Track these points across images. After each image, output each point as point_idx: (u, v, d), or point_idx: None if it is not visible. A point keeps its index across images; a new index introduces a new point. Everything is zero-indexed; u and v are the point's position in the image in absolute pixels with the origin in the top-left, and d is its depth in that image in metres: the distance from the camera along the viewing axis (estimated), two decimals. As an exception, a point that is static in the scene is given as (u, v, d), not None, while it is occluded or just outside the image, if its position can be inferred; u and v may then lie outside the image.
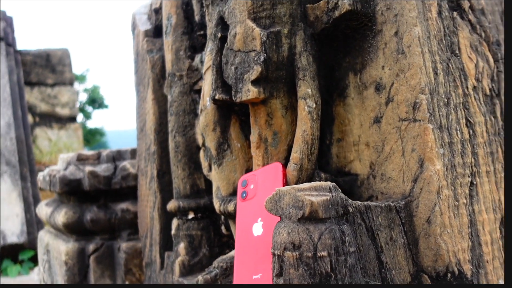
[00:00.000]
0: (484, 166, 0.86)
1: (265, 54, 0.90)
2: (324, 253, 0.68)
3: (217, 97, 0.98)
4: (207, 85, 1.09)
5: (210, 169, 1.22)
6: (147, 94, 1.49)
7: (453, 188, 0.81)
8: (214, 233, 1.27)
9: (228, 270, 1.07)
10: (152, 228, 1.44)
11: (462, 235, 0.81)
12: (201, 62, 1.31)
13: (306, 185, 0.72)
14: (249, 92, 0.91)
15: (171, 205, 1.26)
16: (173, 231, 1.26)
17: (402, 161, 0.86)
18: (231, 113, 1.07)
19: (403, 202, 0.84)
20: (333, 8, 0.91)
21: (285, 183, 0.90)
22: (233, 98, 0.95)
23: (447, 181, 0.81)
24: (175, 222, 1.27)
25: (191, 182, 1.27)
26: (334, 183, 0.74)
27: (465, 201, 0.83)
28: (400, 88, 0.86)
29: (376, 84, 0.92)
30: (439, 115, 0.83)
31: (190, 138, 1.29)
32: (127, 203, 1.72)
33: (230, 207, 1.02)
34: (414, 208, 0.83)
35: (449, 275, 0.79)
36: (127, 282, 1.63)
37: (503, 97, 0.91)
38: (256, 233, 0.89)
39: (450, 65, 0.86)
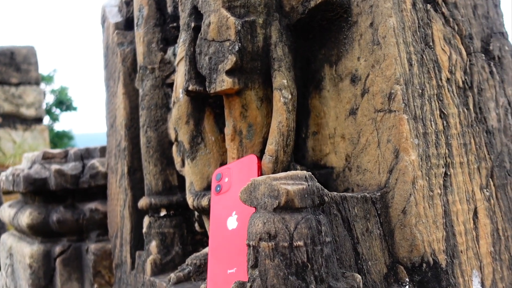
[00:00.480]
0: (457, 157, 0.87)
1: (239, 44, 0.88)
2: (301, 243, 0.66)
3: (190, 88, 0.95)
4: (180, 76, 1.06)
5: (183, 164, 1.19)
6: (117, 88, 1.45)
7: (427, 178, 0.81)
8: (187, 230, 1.23)
9: (202, 267, 1.04)
10: (122, 228, 1.40)
11: (437, 225, 0.81)
12: (174, 54, 1.27)
13: (282, 174, 0.71)
14: (223, 83, 0.89)
15: (143, 202, 1.22)
16: (144, 229, 1.22)
17: (377, 152, 0.86)
18: (205, 105, 1.05)
19: (379, 193, 0.83)
20: (309, -2, 0.90)
21: (260, 175, 0.88)
22: (207, 89, 0.93)
23: (421, 171, 0.81)
24: (146, 220, 1.23)
25: (163, 178, 1.24)
26: (310, 173, 0.72)
27: (439, 191, 0.83)
28: (376, 79, 0.86)
29: (352, 75, 0.92)
30: (414, 106, 0.83)
31: (162, 133, 1.25)
32: (96, 203, 1.66)
33: (204, 202, 0.99)
34: (390, 199, 0.83)
35: (424, 265, 0.78)
36: (95, 285, 1.57)
37: (475, 90, 0.92)
38: (230, 227, 0.87)
39: (424, 57, 0.87)
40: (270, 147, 0.89)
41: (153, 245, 1.19)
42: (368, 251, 0.79)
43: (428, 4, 0.90)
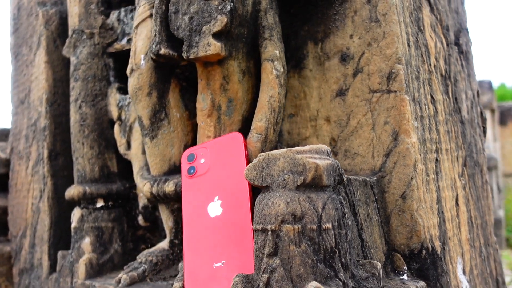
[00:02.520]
0: (444, 143, 0.86)
1: (231, 4, 0.77)
2: (329, 225, 0.58)
3: (162, 52, 0.80)
4: (141, 40, 0.90)
5: (128, 147, 1.02)
6: (35, 56, 1.20)
7: (424, 162, 0.79)
8: (127, 225, 1.05)
9: (159, 265, 0.88)
10: (35, 224, 1.15)
11: (433, 211, 0.79)
12: (118, 20, 1.09)
13: (305, 147, 0.61)
14: (209, 47, 0.76)
15: (73, 191, 1.01)
16: (74, 224, 1.01)
17: (371, 135, 0.81)
18: (171, 76, 0.90)
19: (375, 178, 0.78)
20: (306, -36, 0.82)
21: (247, 156, 0.77)
22: (185, 54, 0.79)
23: (420, 155, 0.78)
24: (77, 212, 1.02)
25: (101, 163, 1.04)
26: (327, 146, 0.64)
27: (433, 176, 0.81)
28: (373, 58, 0.81)
29: (342, 54, 0.86)
30: (412, 87, 0.80)
31: (101, 109, 1.06)
32: (-8, 196, 1.36)
33: (168, 187, 0.84)
34: (386, 184, 0.78)
35: (423, 251, 0.75)
36: (-12, 296, 1.28)
37: (452, 80, 0.94)
38: (213, 214, 0.74)
39: (419, 40, 0.85)
40: (259, 124, 0.79)
41: (86, 242, 0.99)
42: (370, 238, 0.74)
43: (418, -11, 0.89)
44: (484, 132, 1.05)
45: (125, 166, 1.08)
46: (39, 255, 1.13)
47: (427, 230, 0.76)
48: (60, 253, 1.04)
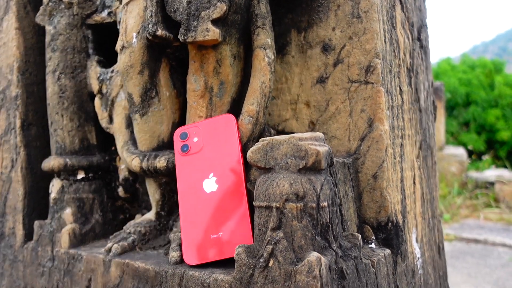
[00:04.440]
0: (407, 130, 0.98)
1: (231, -8, 0.81)
2: (325, 204, 0.67)
3: (159, 33, 0.83)
4: (132, 18, 0.91)
5: (111, 121, 1.04)
6: (2, 21, 1.15)
7: (393, 147, 0.90)
8: (107, 196, 1.08)
9: (147, 235, 0.93)
10: (6, 193, 1.14)
11: (398, 189, 0.91)
12: (98, -9, 1.08)
13: (306, 134, 0.69)
14: (207, 32, 0.80)
15: (53, 162, 1.02)
16: (54, 195, 1.03)
17: (348, 121, 0.91)
18: (162, 55, 0.93)
19: (351, 159, 0.89)
20: (298, -42, 0.88)
21: (239, 136, 0.84)
22: (182, 37, 0.82)
23: (390, 140, 0.89)
24: (57, 184, 1.03)
25: (81, 135, 1.05)
26: (323, 134, 0.72)
27: (399, 159, 0.93)
28: (353, 51, 0.90)
29: (324, 44, 0.94)
30: (386, 80, 0.90)
31: (80, 82, 1.06)
32: (-51, 163, 1.31)
33: (160, 163, 0.89)
34: (360, 165, 0.89)
35: (389, 224, 0.87)
36: (-51, 265, 1.25)
37: (414, 72, 1.05)
38: (208, 190, 0.81)
39: (392, 36, 0.95)
40: (251, 107, 0.85)
41: (67, 213, 1.01)
42: (347, 212, 0.84)
43: (393, -12, 0.98)
44: (435, 118, 1.19)
45: (104, 138, 1.10)
46: (11, 224, 1.13)
47: (393, 206, 0.88)
48: (37, 223, 1.05)
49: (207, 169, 0.82)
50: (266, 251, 0.66)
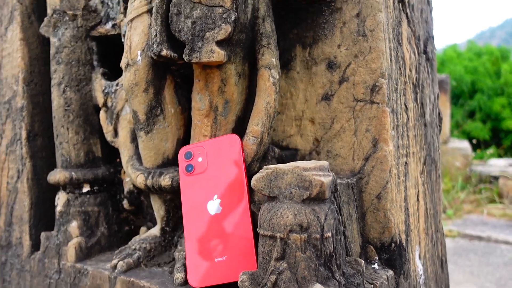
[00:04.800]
0: (412, 147, 0.98)
1: (236, 13, 0.80)
2: (329, 234, 0.67)
3: (164, 53, 0.83)
4: (137, 35, 0.91)
5: (116, 134, 1.04)
6: (7, 31, 1.15)
7: (397, 167, 0.90)
8: (112, 208, 1.09)
9: (152, 252, 0.94)
10: (13, 204, 1.15)
11: (401, 208, 0.91)
12: (102, 2, 1.07)
13: (310, 164, 0.69)
14: (212, 54, 0.80)
15: (59, 175, 1.03)
16: (60, 208, 1.04)
17: (353, 140, 0.90)
18: (167, 72, 0.93)
19: (354, 179, 0.89)
20: (304, -24, 0.87)
21: (243, 157, 0.84)
22: (187, 57, 0.82)
23: (395, 160, 0.89)
24: (63, 197, 1.04)
25: (86, 148, 1.06)
26: (328, 162, 0.72)
27: (403, 178, 0.92)
28: (358, 69, 0.89)
29: (329, 61, 0.93)
30: (392, 99, 0.89)
31: (85, 95, 1.06)
32: (-44, 170, 1.32)
33: (165, 181, 0.89)
34: (364, 185, 0.89)
35: (393, 244, 0.88)
36: (-43, 271, 1.27)
37: (420, 87, 1.04)
38: (213, 212, 0.81)
39: (398, 54, 0.94)
40: (256, 128, 0.85)
41: (73, 226, 1.02)
42: (351, 234, 0.85)
43: (400, 4, 0.96)
44: (440, 130, 1.18)
45: (109, 150, 1.10)
46: (18, 234, 1.14)
47: (397, 226, 0.88)
48: (43, 234, 1.06)
49: (212, 190, 0.83)
50: (269, 280, 0.66)
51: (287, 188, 0.68)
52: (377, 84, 0.87)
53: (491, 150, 7.41)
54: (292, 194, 0.68)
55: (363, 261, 0.75)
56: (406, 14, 0.99)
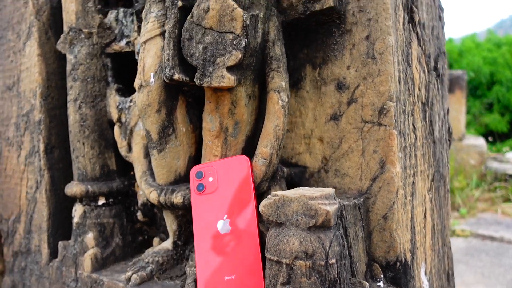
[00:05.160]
0: (419, 166, 0.99)
1: (246, 40, 0.82)
2: (334, 260, 0.69)
3: (176, 77, 0.85)
4: (150, 57, 0.93)
5: (129, 149, 1.07)
6: (25, 46, 1.19)
7: (404, 187, 0.92)
8: (127, 219, 1.13)
9: (164, 265, 0.98)
10: (31, 212, 1.20)
11: (407, 228, 0.92)
12: (116, 20, 1.10)
13: (316, 193, 0.71)
14: (223, 79, 0.82)
15: (76, 189, 1.06)
16: (76, 219, 1.08)
17: (361, 160, 0.92)
18: (179, 93, 0.95)
19: (362, 199, 0.90)
20: (314, 0, 0.88)
21: (252, 178, 0.86)
22: (198, 82, 0.84)
23: (401, 182, 0.90)
24: (79, 209, 1.08)
25: (101, 162, 1.09)
26: (333, 190, 0.74)
27: (410, 198, 0.94)
28: (367, 91, 0.91)
29: (338, 82, 0.95)
30: (400, 121, 0.91)
31: (100, 110, 1.09)
32: (-22, 177, 1.37)
33: (177, 199, 0.92)
34: (371, 205, 0.91)
35: (398, 263, 0.89)
36: (-20, 274, 1.33)
37: (429, 105, 1.05)
38: (223, 231, 0.84)
39: (407, 75, 0.95)
40: (265, 150, 0.87)
41: (89, 237, 1.06)
42: (356, 253, 0.87)
43: (410, 24, 0.97)
44: (449, 144, 1.19)
45: (124, 163, 1.14)
46: (37, 242, 1.19)
47: (402, 246, 0.90)
48: (61, 244, 1.11)
49: (222, 210, 0.85)
50: (276, 304, 0.69)
51: (293, 215, 0.70)
52: (385, 106, 0.88)
53: (507, 148, 7.30)
54: (299, 222, 0.70)
55: (367, 283, 0.77)
56: (417, 33, 1.00)
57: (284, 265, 0.69)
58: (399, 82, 0.91)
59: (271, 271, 0.71)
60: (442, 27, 1.16)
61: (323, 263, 0.68)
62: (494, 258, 3.15)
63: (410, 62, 0.96)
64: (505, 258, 3.14)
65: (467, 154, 5.30)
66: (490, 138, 7.58)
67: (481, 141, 5.71)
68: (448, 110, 1.18)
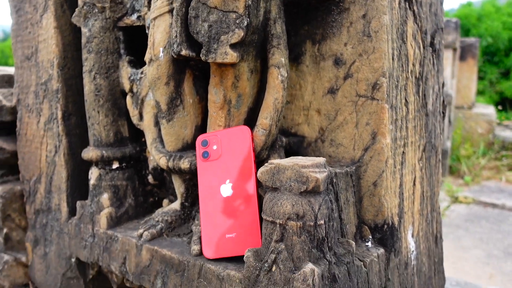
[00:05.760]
0: (410, 137, 1.06)
1: (248, 19, 0.88)
2: (322, 222, 0.78)
3: (183, 53, 0.92)
4: (159, 33, 1.00)
5: (141, 118, 1.15)
6: (42, 18, 1.25)
7: (394, 157, 0.99)
8: (138, 182, 1.23)
9: (173, 224, 1.08)
10: (51, 174, 1.30)
11: (396, 194, 1.00)
12: (128, -5, 1.16)
13: (308, 162, 0.79)
14: (226, 55, 0.89)
15: (92, 153, 1.16)
16: (93, 181, 1.17)
17: (354, 131, 0.99)
18: (186, 67, 1.02)
19: (354, 167, 0.98)
20: (313, -20, 0.93)
21: (253, 147, 0.94)
22: (203, 57, 0.91)
23: (391, 152, 0.98)
24: (95, 172, 1.18)
25: (115, 129, 1.18)
26: (325, 159, 0.82)
27: (399, 167, 1.02)
28: (362, 67, 0.97)
29: (336, 58, 1.01)
30: (392, 96, 0.97)
31: (113, 81, 1.17)
32: (0, 141, 1.47)
33: (184, 164, 1.01)
34: (362, 173, 0.99)
35: (385, 226, 0.98)
36: (5, 230, 1.45)
37: (424, 79, 1.11)
38: (225, 194, 0.93)
39: (401, 52, 1.00)
40: (265, 121, 0.95)
41: (105, 198, 1.16)
42: (347, 216, 0.95)
43: (406, 2, 1.01)
44: (443, 116, 1.25)
45: (136, 130, 1.22)
46: (56, 201, 1.30)
47: (390, 210, 0.98)
48: (79, 203, 1.21)
49: (224, 175, 0.94)
50: (270, 258, 0.78)
51: (287, 181, 0.79)
52: (378, 82, 0.95)
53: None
54: (291, 187, 0.78)
55: (354, 243, 0.86)
56: (413, 11, 1.04)
57: (278, 225, 0.78)
58: (393, 59, 0.97)
59: (267, 230, 0.80)
60: (441, 3, 1.20)
61: (312, 223, 0.77)
62: (493, 224, 3.24)
63: (405, 39, 1.01)
64: (505, 225, 3.23)
65: (475, 122, 5.31)
66: (500, 107, 7.52)
67: (490, 110, 5.70)
68: (443, 83, 1.23)
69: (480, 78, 8.34)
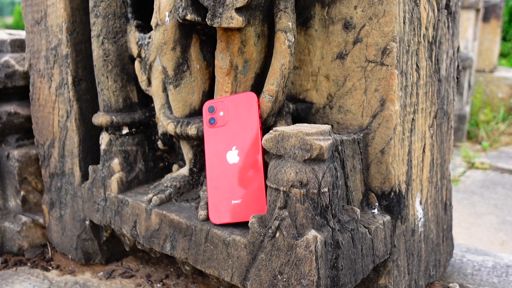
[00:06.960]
0: (421, 104, 1.04)
1: (254, -19, 0.85)
2: (326, 189, 0.78)
3: (188, 17, 0.90)
4: (165, -4, 0.98)
5: (149, 83, 1.15)
6: (49, -19, 1.24)
7: (402, 124, 0.97)
8: (148, 147, 1.24)
9: (181, 189, 1.09)
10: (64, 139, 1.32)
11: (404, 161, 1.00)
12: (133, -43, 1.13)
13: (312, 129, 0.78)
14: (232, 20, 0.87)
15: (102, 119, 1.17)
16: (103, 146, 1.19)
17: (363, 98, 0.98)
18: (193, 32, 1.01)
19: (361, 134, 0.97)
20: None
21: (259, 113, 0.94)
22: (209, 22, 0.89)
23: (400, 119, 0.96)
24: (105, 137, 1.19)
25: (124, 95, 1.18)
26: (330, 126, 0.81)
27: (408, 134, 1.00)
28: (372, 31, 0.94)
29: (345, 22, 0.98)
30: (402, 61, 0.94)
31: (121, 46, 1.16)
32: (15, 105, 1.49)
33: (191, 131, 1.01)
34: (370, 140, 0.97)
35: (392, 193, 0.98)
36: (22, 192, 1.49)
37: (437, 44, 1.07)
38: (231, 161, 0.94)
39: (413, 15, 0.96)
40: (271, 87, 0.93)
41: (115, 163, 1.18)
42: (353, 183, 0.95)
43: (420, -38, 0.97)
44: (457, 82, 1.22)
45: (144, 96, 1.23)
46: (70, 166, 1.32)
47: (397, 178, 0.97)
48: (91, 167, 1.24)
49: (231, 142, 0.94)
50: (274, 224, 0.79)
51: (291, 149, 0.78)
52: (388, 47, 0.92)
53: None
54: (296, 155, 0.78)
55: (358, 210, 0.87)
56: (427, -29, 1.00)
57: (282, 192, 0.78)
58: (404, 23, 0.94)
59: (271, 197, 0.81)
60: (459, -38, 1.14)
61: (315, 191, 0.77)
62: (509, 190, 3.21)
63: (418, 2, 0.97)
64: (521, 191, 3.20)
65: (496, 86, 5.16)
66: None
67: (513, 74, 5.51)
68: (458, 47, 1.19)
69: (504, 40, 8.04)
